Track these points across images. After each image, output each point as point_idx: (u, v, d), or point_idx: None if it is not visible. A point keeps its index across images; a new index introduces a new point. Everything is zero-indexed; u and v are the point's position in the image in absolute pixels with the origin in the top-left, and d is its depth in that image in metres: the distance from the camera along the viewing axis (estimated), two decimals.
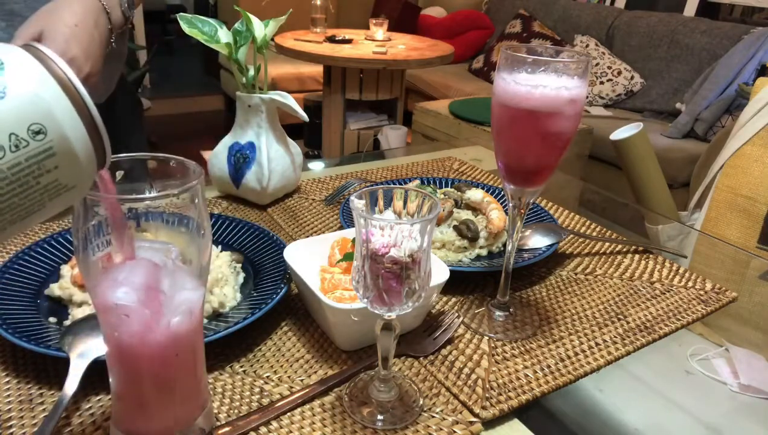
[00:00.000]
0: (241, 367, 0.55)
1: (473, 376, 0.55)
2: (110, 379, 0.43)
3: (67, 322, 0.57)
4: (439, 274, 0.59)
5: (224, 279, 0.62)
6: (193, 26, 0.79)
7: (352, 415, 0.50)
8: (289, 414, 0.49)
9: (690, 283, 0.74)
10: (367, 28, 3.39)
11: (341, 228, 0.80)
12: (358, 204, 0.45)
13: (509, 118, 0.55)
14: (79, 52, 0.65)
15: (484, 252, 0.75)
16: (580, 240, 0.84)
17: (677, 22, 3.17)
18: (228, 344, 0.57)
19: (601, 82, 3.26)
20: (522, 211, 0.60)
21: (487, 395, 0.53)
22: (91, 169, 0.34)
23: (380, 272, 0.44)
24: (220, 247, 0.70)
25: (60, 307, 0.60)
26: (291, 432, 0.48)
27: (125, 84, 0.98)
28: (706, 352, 0.69)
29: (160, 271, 0.38)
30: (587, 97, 2.96)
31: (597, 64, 3.28)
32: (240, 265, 0.68)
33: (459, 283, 0.70)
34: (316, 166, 1.10)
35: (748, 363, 0.68)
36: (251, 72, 0.83)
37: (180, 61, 5.99)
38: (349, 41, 3.07)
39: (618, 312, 0.67)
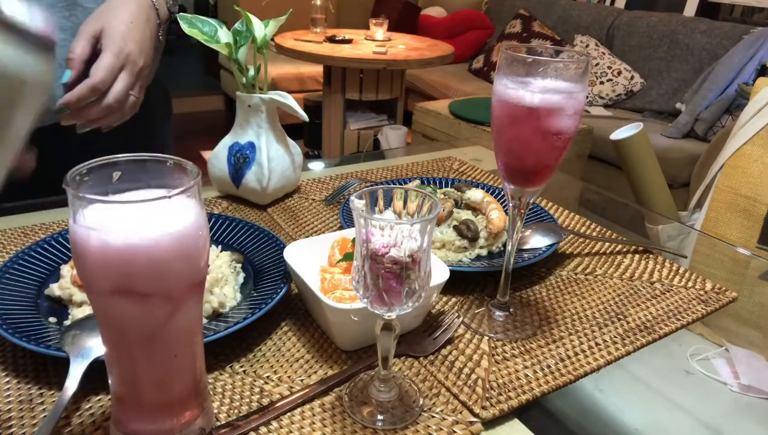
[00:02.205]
0: (241, 367, 0.55)
1: (473, 376, 0.55)
2: (110, 380, 0.43)
3: (67, 322, 0.57)
4: (439, 274, 0.59)
5: (224, 279, 0.62)
6: (193, 26, 0.79)
7: (352, 415, 0.50)
8: (289, 414, 0.49)
9: (690, 283, 0.74)
10: (367, 28, 3.40)
11: (341, 228, 0.79)
12: (358, 204, 0.45)
13: (509, 118, 0.55)
14: (134, 47, 0.73)
15: (484, 252, 0.75)
16: (580, 240, 0.84)
17: (677, 22, 3.17)
18: (228, 344, 0.57)
19: (601, 82, 3.26)
20: (522, 211, 0.60)
21: (487, 395, 0.53)
22: (26, 66, 0.33)
23: (380, 272, 0.44)
24: (220, 247, 0.70)
25: (60, 307, 0.60)
26: (291, 432, 0.48)
27: (157, 74, 1.00)
28: (706, 352, 0.69)
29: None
30: (587, 97, 2.96)
31: (597, 64, 3.28)
32: (240, 265, 0.68)
33: (459, 283, 0.70)
34: (316, 166, 1.10)
35: (748, 363, 0.68)
36: (251, 72, 0.83)
37: (180, 61, 5.99)
38: (349, 41, 3.08)
39: (618, 312, 0.67)
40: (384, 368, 0.51)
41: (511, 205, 0.61)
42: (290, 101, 0.83)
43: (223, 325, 0.56)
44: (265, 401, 0.51)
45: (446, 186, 0.91)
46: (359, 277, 0.46)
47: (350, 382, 0.53)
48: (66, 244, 0.68)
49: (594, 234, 0.86)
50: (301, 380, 0.54)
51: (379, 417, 0.49)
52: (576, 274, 0.75)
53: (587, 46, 3.40)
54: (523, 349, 0.60)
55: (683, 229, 1.14)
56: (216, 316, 0.59)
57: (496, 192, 0.88)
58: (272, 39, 1.19)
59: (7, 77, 0.33)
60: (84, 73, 0.70)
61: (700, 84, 2.81)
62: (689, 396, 0.65)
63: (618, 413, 0.61)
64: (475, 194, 0.79)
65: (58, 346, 0.50)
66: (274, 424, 0.48)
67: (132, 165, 0.40)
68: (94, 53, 0.72)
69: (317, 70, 3.57)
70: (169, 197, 0.36)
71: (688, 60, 3.05)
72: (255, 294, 0.63)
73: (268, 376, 0.54)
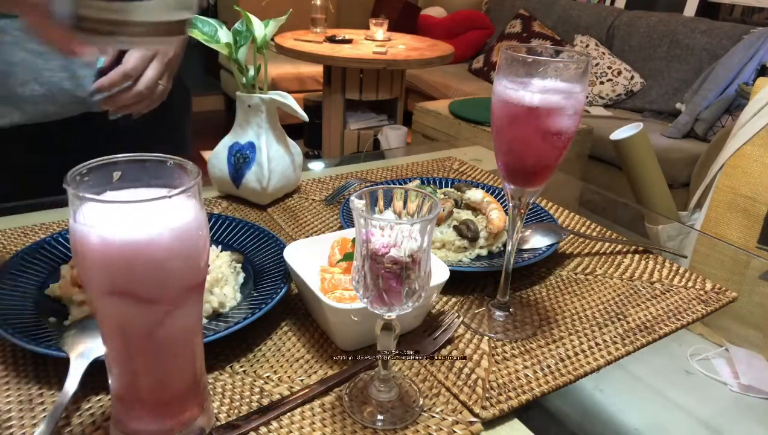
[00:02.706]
0: (241, 367, 0.55)
1: (473, 376, 0.55)
2: (110, 380, 0.43)
3: (67, 322, 0.57)
4: (439, 274, 0.59)
5: (224, 279, 0.62)
6: (193, 26, 0.79)
7: (352, 415, 0.50)
8: (289, 414, 0.49)
9: (690, 283, 0.74)
10: (367, 28, 3.39)
11: (341, 228, 0.79)
12: (358, 204, 0.45)
13: (509, 117, 0.55)
14: None
15: (484, 252, 0.75)
16: (580, 240, 0.84)
17: (677, 22, 3.17)
18: (228, 344, 0.57)
19: (601, 82, 3.26)
20: (522, 211, 0.60)
21: (487, 395, 0.53)
22: None
23: (380, 272, 0.44)
24: (220, 247, 0.70)
25: (60, 307, 0.60)
26: (291, 432, 0.48)
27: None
28: (706, 352, 0.69)
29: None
30: (587, 97, 2.96)
31: (597, 64, 3.28)
32: (240, 265, 0.68)
33: (459, 283, 0.70)
34: (316, 166, 1.10)
35: (748, 363, 0.68)
36: (251, 72, 0.83)
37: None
38: (349, 41, 3.07)
39: (618, 312, 0.67)
40: (384, 368, 0.51)
41: (511, 205, 0.61)
42: (290, 101, 0.83)
43: (223, 325, 0.56)
44: (265, 401, 0.51)
45: (446, 186, 0.91)
46: (359, 277, 0.46)
47: (350, 382, 0.53)
48: (66, 244, 0.68)
49: (594, 234, 0.86)
50: (301, 380, 0.54)
51: (379, 417, 0.49)
52: (576, 274, 0.75)
53: (587, 46, 3.40)
54: (523, 349, 0.60)
55: (683, 229, 1.14)
56: (216, 316, 0.59)
57: (496, 192, 0.88)
58: (272, 39, 1.19)
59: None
60: (117, 61, 0.74)
61: (700, 84, 2.81)
62: (689, 396, 0.65)
63: (618, 413, 0.62)
64: (475, 194, 0.79)
65: (58, 346, 0.50)
66: (274, 424, 0.48)
67: (132, 164, 0.40)
68: None
69: (317, 70, 3.57)
70: (170, 197, 0.36)
71: (688, 60, 3.05)
72: (255, 294, 0.63)
73: (268, 376, 0.54)
